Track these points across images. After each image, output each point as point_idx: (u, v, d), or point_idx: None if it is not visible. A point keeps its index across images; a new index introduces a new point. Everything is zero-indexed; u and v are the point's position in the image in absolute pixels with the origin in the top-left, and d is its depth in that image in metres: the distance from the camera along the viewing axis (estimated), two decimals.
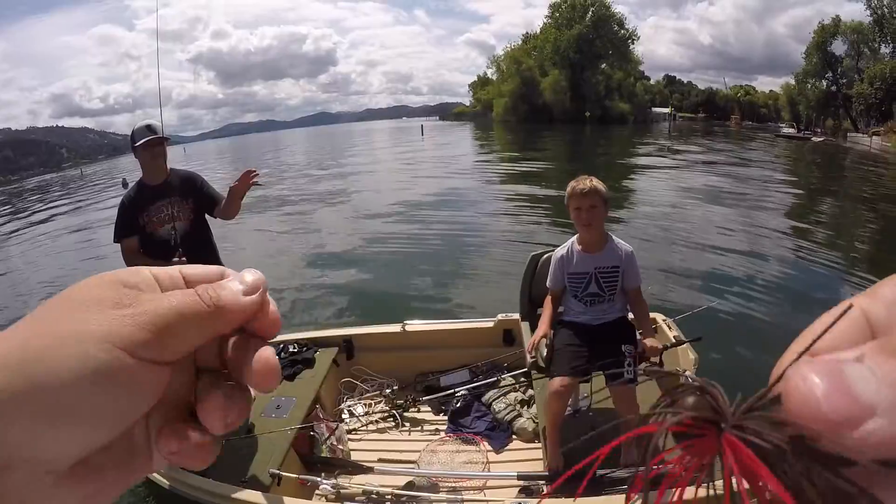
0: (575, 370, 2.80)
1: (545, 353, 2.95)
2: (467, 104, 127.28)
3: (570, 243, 3.10)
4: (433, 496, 2.92)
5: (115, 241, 3.55)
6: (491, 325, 4.23)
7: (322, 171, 27.49)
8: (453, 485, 3.16)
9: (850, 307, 0.22)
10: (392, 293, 7.71)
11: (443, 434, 3.72)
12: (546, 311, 3.13)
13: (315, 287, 8.37)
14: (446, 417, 3.84)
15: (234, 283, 0.34)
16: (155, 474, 3.18)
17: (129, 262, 3.43)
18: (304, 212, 15.10)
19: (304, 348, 4.34)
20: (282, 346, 4.37)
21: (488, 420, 3.71)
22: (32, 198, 39.47)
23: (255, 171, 3.42)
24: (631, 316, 3.12)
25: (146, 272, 0.33)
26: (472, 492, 3.09)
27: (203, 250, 3.67)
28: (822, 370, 0.18)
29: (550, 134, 46.58)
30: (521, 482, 3.05)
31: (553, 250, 3.30)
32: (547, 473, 2.96)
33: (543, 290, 3.34)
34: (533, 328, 3.38)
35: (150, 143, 3.41)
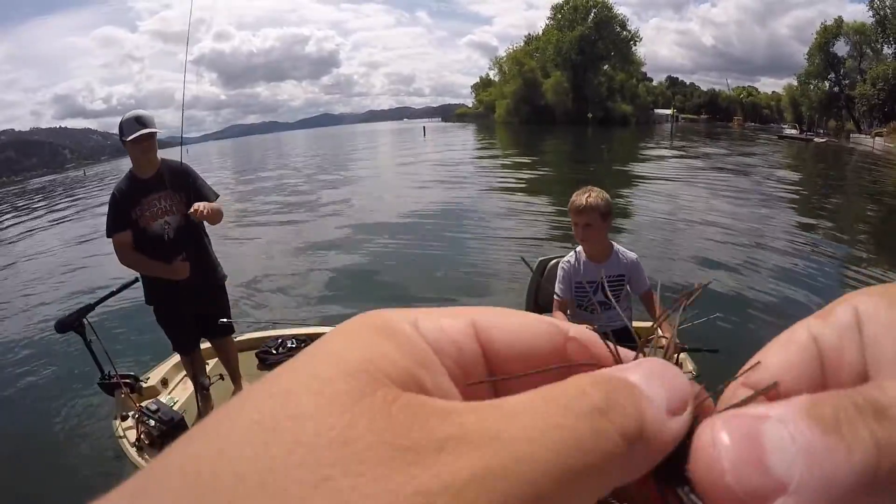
0: None
1: None
2: (469, 105, 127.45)
3: (576, 252, 3.12)
4: None
5: (108, 237, 3.47)
6: None
7: (324, 173, 27.42)
8: None
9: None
10: (392, 292, 7.74)
11: None
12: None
13: (315, 283, 8.42)
14: None
15: (653, 392, 0.19)
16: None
17: (124, 257, 3.44)
18: (305, 212, 15.14)
19: (303, 343, 4.30)
20: (280, 340, 4.45)
21: None
22: (36, 198, 39.60)
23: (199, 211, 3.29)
24: (636, 325, 3.15)
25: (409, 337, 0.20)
26: None
27: (197, 247, 3.64)
28: (737, 430, 0.16)
29: (552, 135, 46.70)
30: None
31: (561, 257, 3.36)
32: None
33: (550, 296, 3.42)
34: None
35: (140, 139, 3.31)
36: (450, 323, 0.22)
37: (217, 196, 3.60)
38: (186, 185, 3.49)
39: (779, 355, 0.20)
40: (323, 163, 34.90)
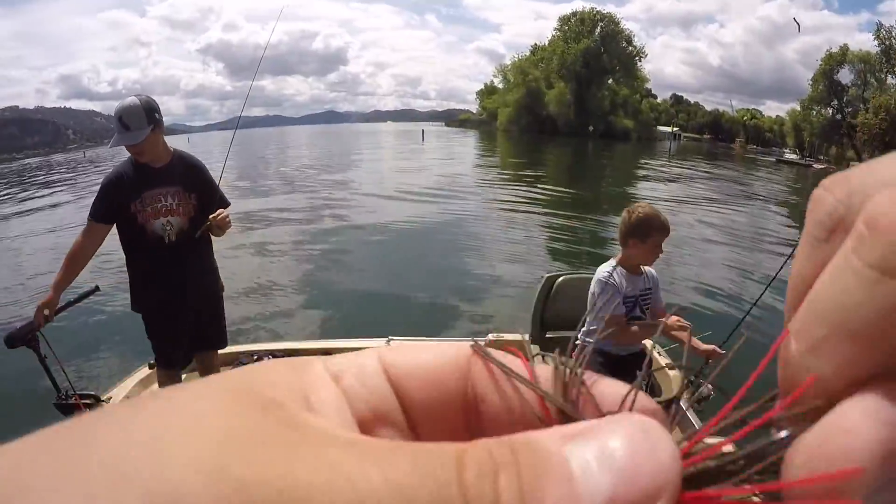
0: None
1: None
2: (474, 112, 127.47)
3: (611, 268, 2.97)
4: None
5: (88, 218, 3.00)
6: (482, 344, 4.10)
7: (324, 172, 27.19)
8: None
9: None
10: (379, 307, 7.44)
11: None
12: (640, 331, 2.95)
13: (299, 295, 8.14)
14: None
15: (591, 486, 0.14)
16: None
17: (80, 254, 3.00)
18: (295, 219, 14.91)
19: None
20: (255, 356, 4.24)
21: None
22: (37, 177, 39.24)
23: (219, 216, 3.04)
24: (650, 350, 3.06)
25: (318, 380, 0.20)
26: None
27: (199, 253, 3.22)
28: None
29: (553, 145, 46.63)
30: None
31: (569, 273, 3.25)
32: None
33: (557, 313, 3.27)
34: (543, 350, 3.26)
35: (129, 150, 2.92)
36: (357, 360, 0.21)
37: (229, 204, 3.23)
38: (200, 183, 3.12)
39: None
40: (323, 163, 34.60)
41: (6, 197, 27.92)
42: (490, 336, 3.94)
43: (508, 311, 6.75)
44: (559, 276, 3.47)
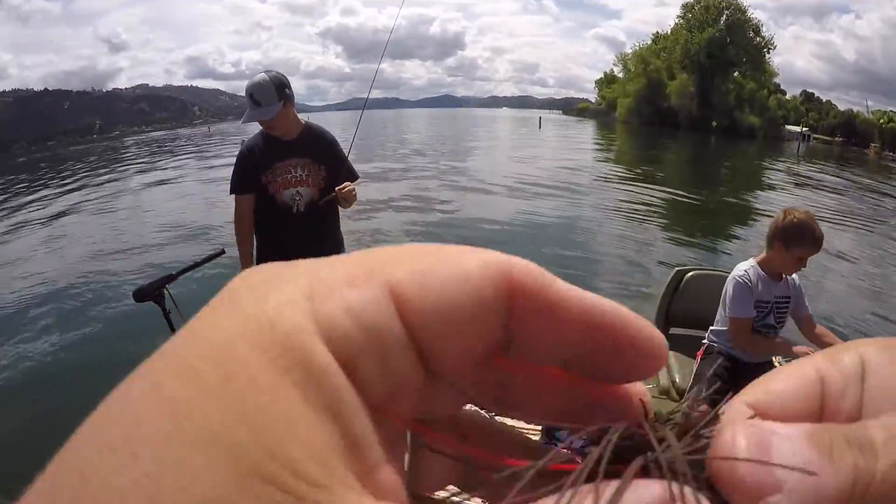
0: (716, 404, 2.45)
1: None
2: (592, 101, 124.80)
3: (750, 269, 2.80)
4: None
5: (230, 193, 3.17)
6: None
7: (440, 157, 27.17)
8: None
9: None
10: None
11: None
12: (764, 343, 2.81)
13: None
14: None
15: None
16: None
17: (238, 224, 3.14)
18: (412, 198, 14.95)
19: None
20: None
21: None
22: (164, 147, 41.95)
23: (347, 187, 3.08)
24: (777, 360, 2.80)
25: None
26: None
27: (328, 225, 3.26)
28: (751, 437, 0.18)
29: (673, 141, 44.60)
30: None
31: (700, 268, 3.01)
32: None
33: (683, 310, 3.04)
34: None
35: (261, 124, 3.04)
36: (359, 298, 0.17)
37: (357, 177, 3.26)
38: (330, 156, 3.17)
39: (784, 383, 0.21)
40: (438, 147, 34.67)
41: (140, 162, 29.99)
42: None
43: (630, 305, 6.39)
44: (690, 270, 3.23)
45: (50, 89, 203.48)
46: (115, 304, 7.75)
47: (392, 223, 10.83)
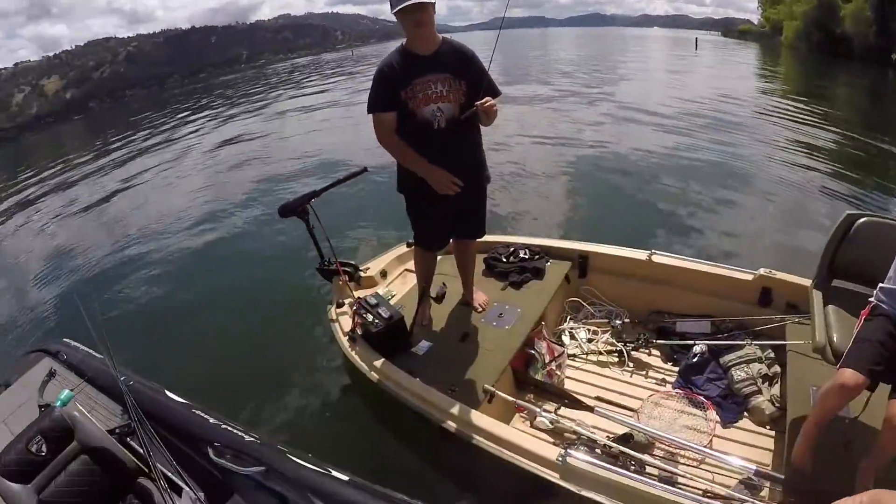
0: (874, 372, 2.14)
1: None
2: (755, 22, 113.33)
3: None
4: (648, 458, 2.62)
5: (368, 113, 3.04)
6: (749, 278, 3.49)
7: (586, 79, 25.67)
8: (670, 449, 2.80)
9: None
10: (638, 218, 6.80)
11: (669, 386, 3.32)
12: None
13: (557, 190, 7.88)
14: (676, 369, 3.41)
15: None
16: (367, 369, 3.23)
17: (385, 138, 3.03)
18: (559, 117, 14.39)
19: (536, 256, 4.07)
20: (512, 249, 4.18)
21: (723, 386, 3.20)
22: (309, 72, 43.31)
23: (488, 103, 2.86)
24: None
25: None
26: (688, 464, 2.74)
27: (470, 142, 3.15)
28: None
29: (846, 73, 39.38)
30: (748, 473, 2.55)
31: (877, 215, 2.64)
32: (783, 477, 2.41)
33: (850, 260, 2.68)
34: (826, 300, 2.72)
35: (408, 9, 2.82)
36: None
37: (499, 93, 3.05)
38: (470, 71, 3.00)
39: None
40: (585, 69, 32.82)
41: (286, 87, 31.28)
42: (761, 270, 3.45)
43: (788, 250, 5.77)
44: (862, 216, 2.76)
45: (197, 26, 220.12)
46: (262, 220, 8.27)
47: (533, 155, 10.30)
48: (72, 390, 3.16)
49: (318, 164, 11.24)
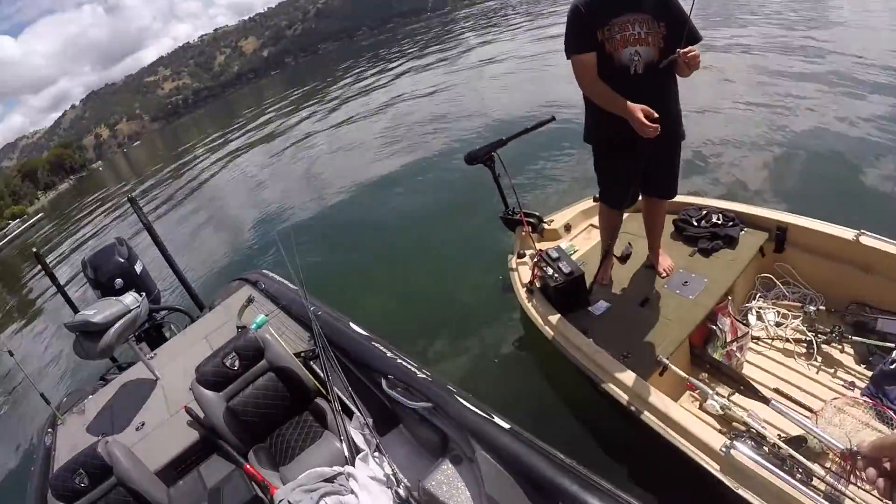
0: None
1: None
2: None
3: None
4: (818, 469, 2.44)
5: (567, 57, 2.87)
6: None
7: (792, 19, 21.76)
8: (845, 465, 2.53)
9: None
10: (850, 187, 5.69)
11: (857, 392, 2.99)
12: None
13: (758, 150, 6.89)
14: (870, 373, 3.05)
15: None
16: (541, 323, 3.25)
17: (586, 81, 2.86)
18: (761, 75, 12.02)
19: (730, 222, 3.80)
20: (704, 212, 3.94)
21: None
22: (496, 17, 42.61)
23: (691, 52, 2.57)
24: None
25: None
26: (862, 487, 2.42)
27: (663, 93, 2.89)
28: None
29: None
30: None
31: None
32: None
33: None
34: None
35: None
36: None
37: (700, 38, 2.78)
38: (670, 13, 2.75)
39: None
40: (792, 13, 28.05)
41: (474, 32, 31.28)
42: None
43: None
44: None
45: None
46: (449, 167, 8.45)
47: (733, 111, 8.77)
48: (266, 315, 3.61)
49: (505, 113, 11.19)
